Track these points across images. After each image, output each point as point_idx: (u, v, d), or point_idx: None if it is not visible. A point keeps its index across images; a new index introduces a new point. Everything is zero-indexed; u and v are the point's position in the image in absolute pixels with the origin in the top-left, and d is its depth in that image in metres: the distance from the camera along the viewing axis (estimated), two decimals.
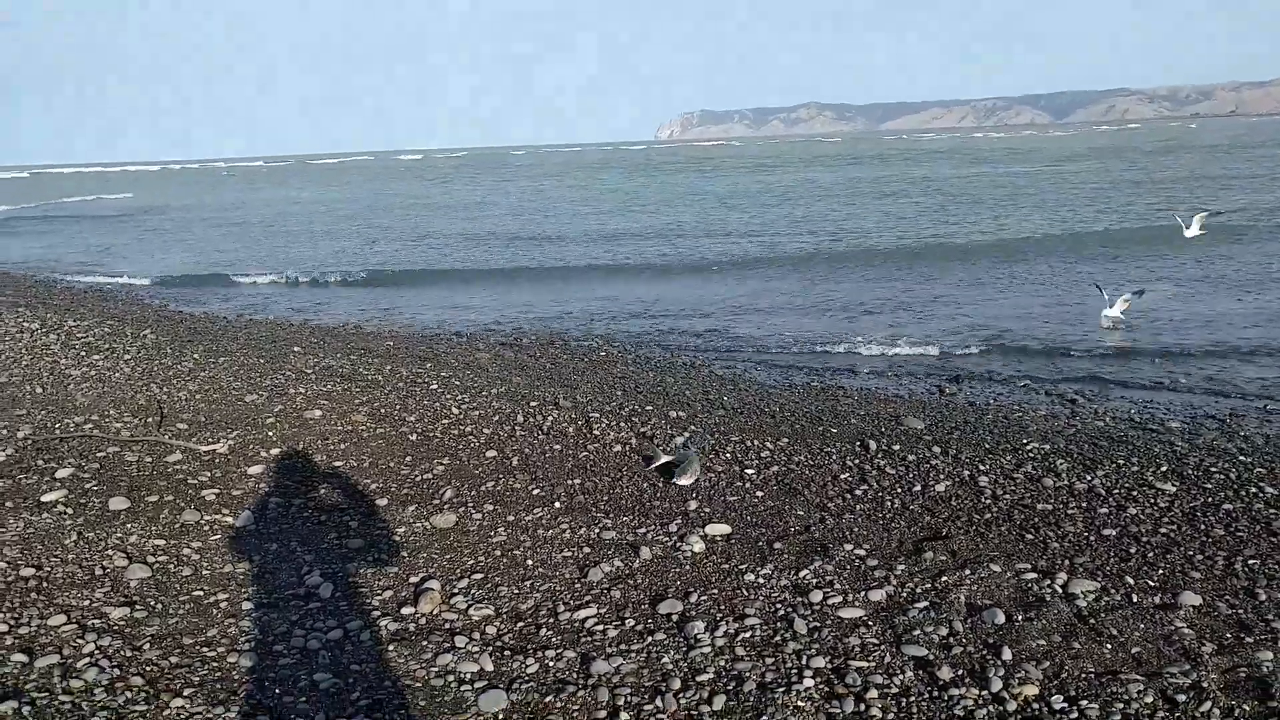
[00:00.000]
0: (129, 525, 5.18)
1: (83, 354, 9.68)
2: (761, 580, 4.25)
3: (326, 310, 15.07)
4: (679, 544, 4.67)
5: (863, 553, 4.49)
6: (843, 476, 5.60)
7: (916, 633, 3.69)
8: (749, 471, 5.75)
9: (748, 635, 3.75)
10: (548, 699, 3.41)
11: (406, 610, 4.15)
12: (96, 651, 3.84)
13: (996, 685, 3.31)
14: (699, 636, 3.76)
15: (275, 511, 5.38)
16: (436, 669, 3.65)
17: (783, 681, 3.41)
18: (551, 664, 3.64)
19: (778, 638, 3.73)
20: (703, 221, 28.03)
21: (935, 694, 3.28)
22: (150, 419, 7.19)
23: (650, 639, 3.77)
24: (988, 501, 5.16)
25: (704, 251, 21.02)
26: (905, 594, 4.06)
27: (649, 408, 7.35)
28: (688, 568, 4.44)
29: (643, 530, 4.87)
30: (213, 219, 39.57)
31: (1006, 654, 3.52)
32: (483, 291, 17.32)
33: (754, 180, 50.72)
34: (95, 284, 18.58)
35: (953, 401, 8.13)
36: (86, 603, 4.28)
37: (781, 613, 3.93)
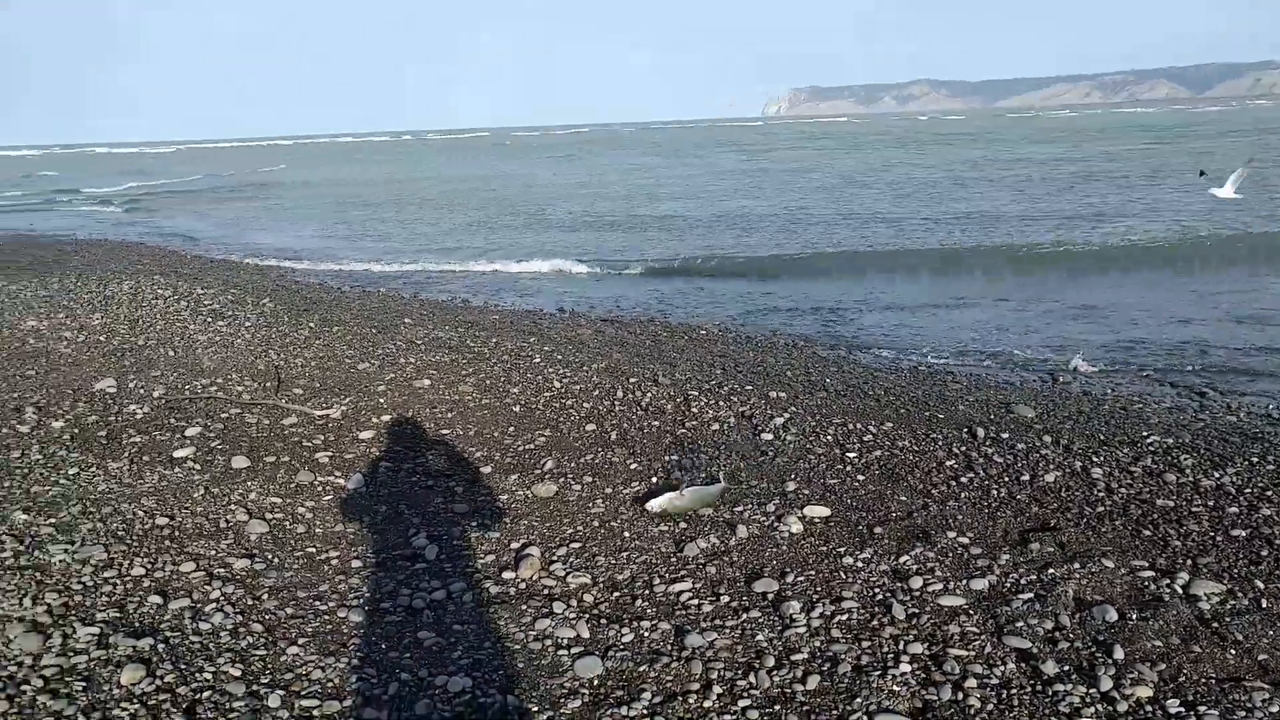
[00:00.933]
0: (249, 483, 5.44)
1: (209, 320, 10.17)
2: (860, 564, 4.19)
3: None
4: (776, 524, 4.64)
5: (966, 541, 4.38)
6: (948, 463, 5.47)
7: (1020, 625, 3.58)
8: (850, 455, 5.66)
9: (844, 618, 3.71)
10: (642, 668, 3.45)
11: (507, 575, 4.25)
12: (222, 598, 4.06)
13: (1106, 684, 3.19)
14: (795, 616, 3.74)
15: (385, 475, 5.57)
16: (535, 633, 3.74)
17: (878, 665, 3.36)
18: (646, 634, 3.68)
19: (875, 622, 3.67)
20: (833, 204, 26.93)
21: (1039, 688, 3.18)
22: (268, 384, 7.52)
23: (745, 616, 3.77)
24: (1101, 494, 4.96)
25: (818, 240, 19.84)
26: (1009, 585, 3.94)
27: (748, 387, 7.31)
28: (785, 548, 4.41)
29: (740, 509, 4.86)
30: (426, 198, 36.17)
31: (1118, 653, 3.38)
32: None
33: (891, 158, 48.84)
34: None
35: (1067, 390, 7.84)
36: (213, 553, 4.53)
37: (880, 597, 3.87)
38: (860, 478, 5.30)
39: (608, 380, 7.51)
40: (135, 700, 3.31)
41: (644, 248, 18.57)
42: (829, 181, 34.48)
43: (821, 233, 20.14)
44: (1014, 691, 3.15)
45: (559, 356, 8.47)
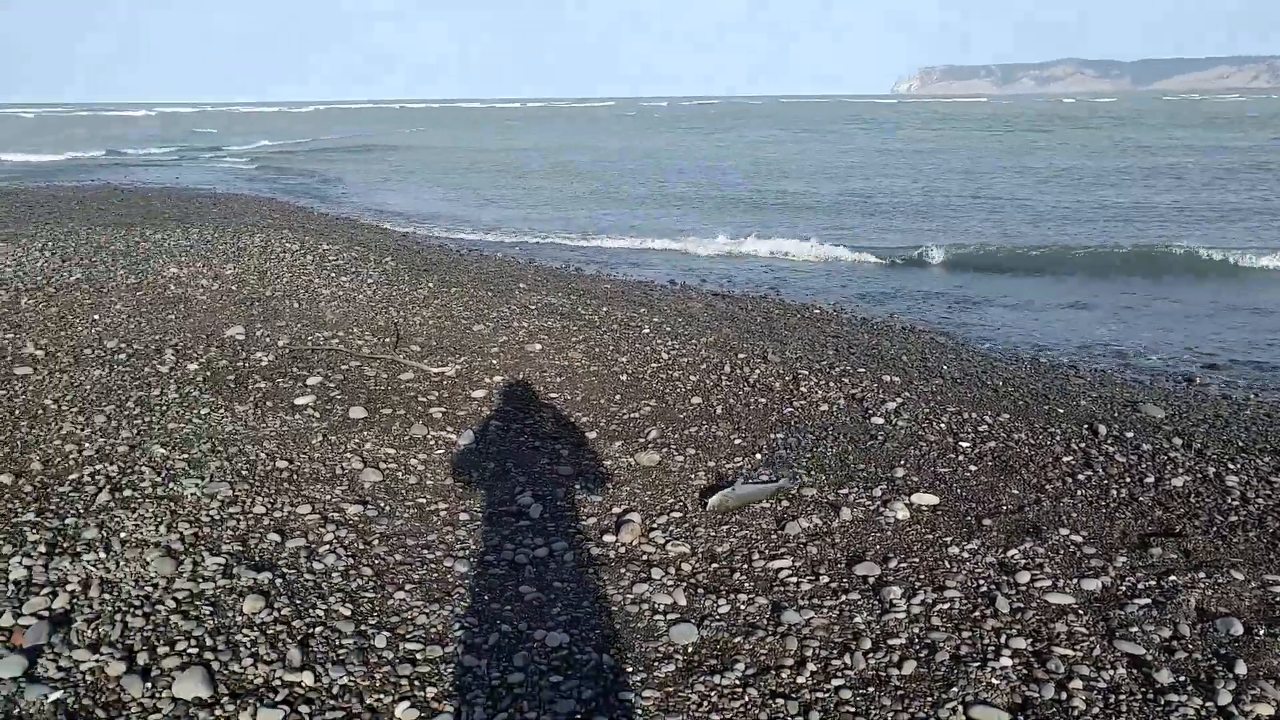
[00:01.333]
0: (365, 433, 5.65)
1: (333, 275, 10.56)
2: (966, 555, 4.09)
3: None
4: (882, 509, 4.57)
5: (1079, 539, 4.21)
6: (1065, 459, 5.26)
7: (1134, 630, 3.43)
8: (963, 444, 5.51)
9: (946, 607, 3.63)
10: (736, 639, 3.46)
11: (608, 538, 4.32)
12: (335, 541, 4.25)
13: (1225, 699, 3.03)
14: (894, 601, 3.68)
15: (494, 434, 5.71)
16: (632, 596, 3.79)
17: (978, 656, 3.28)
18: (743, 607, 3.68)
19: (977, 613, 3.58)
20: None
21: (1150, 696, 3.04)
22: (387, 339, 7.77)
23: (844, 598, 3.73)
24: (1234, 503, 4.69)
25: (948, 225, 18.70)
26: (1124, 588, 3.78)
27: (861, 369, 7.18)
28: (889, 533, 4.34)
29: (844, 491, 4.80)
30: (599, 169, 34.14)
31: (1241, 668, 3.20)
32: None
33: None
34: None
35: (1203, 392, 7.42)
36: (328, 497, 4.73)
37: (984, 589, 3.77)
38: (972, 468, 5.15)
39: (716, 354, 7.50)
40: (255, 628, 3.50)
41: (765, 225, 18.26)
42: (962, 164, 33.25)
43: (951, 218, 19.41)
44: (1122, 697, 3.03)
45: (668, 328, 8.49)
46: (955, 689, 3.10)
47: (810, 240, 15.60)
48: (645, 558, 4.13)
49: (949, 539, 4.25)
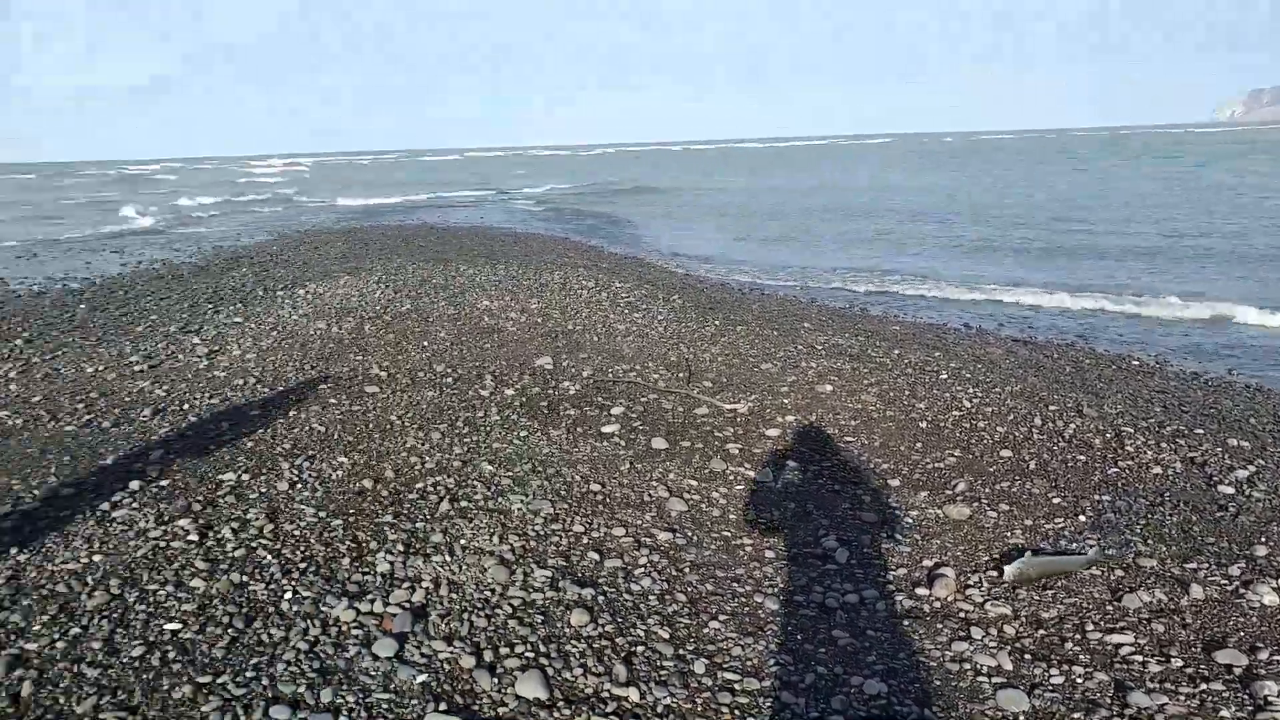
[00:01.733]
0: (667, 463, 5.86)
1: (625, 311, 11.08)
2: None
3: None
4: (1241, 590, 4.10)
5: None
6: None
7: None
8: None
9: None
10: (1075, 715, 3.24)
11: (920, 590, 4.20)
12: (649, 564, 4.44)
13: None
14: (1270, 700, 3.29)
15: (791, 474, 5.73)
16: (951, 654, 3.66)
17: None
18: (1080, 681, 3.44)
19: None
20: None
21: None
22: (680, 374, 8.03)
23: (1204, 686, 3.39)
24: None
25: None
26: None
27: (1198, 430, 6.52)
28: (1254, 620, 3.88)
29: (1192, 566, 4.36)
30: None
31: None
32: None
33: None
34: None
35: None
36: (639, 522, 4.95)
37: None
38: None
39: (1023, 405, 7.11)
40: (582, 640, 3.72)
41: (1067, 269, 17.01)
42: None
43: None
44: None
45: (967, 374, 8.16)
46: None
47: (1123, 292, 14.31)
48: (963, 615, 3.97)
49: None
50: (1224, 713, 3.23)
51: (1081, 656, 3.62)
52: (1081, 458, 5.97)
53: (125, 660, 3.52)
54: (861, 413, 6.99)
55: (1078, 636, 3.77)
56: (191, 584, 4.14)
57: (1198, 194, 32.66)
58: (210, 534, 4.68)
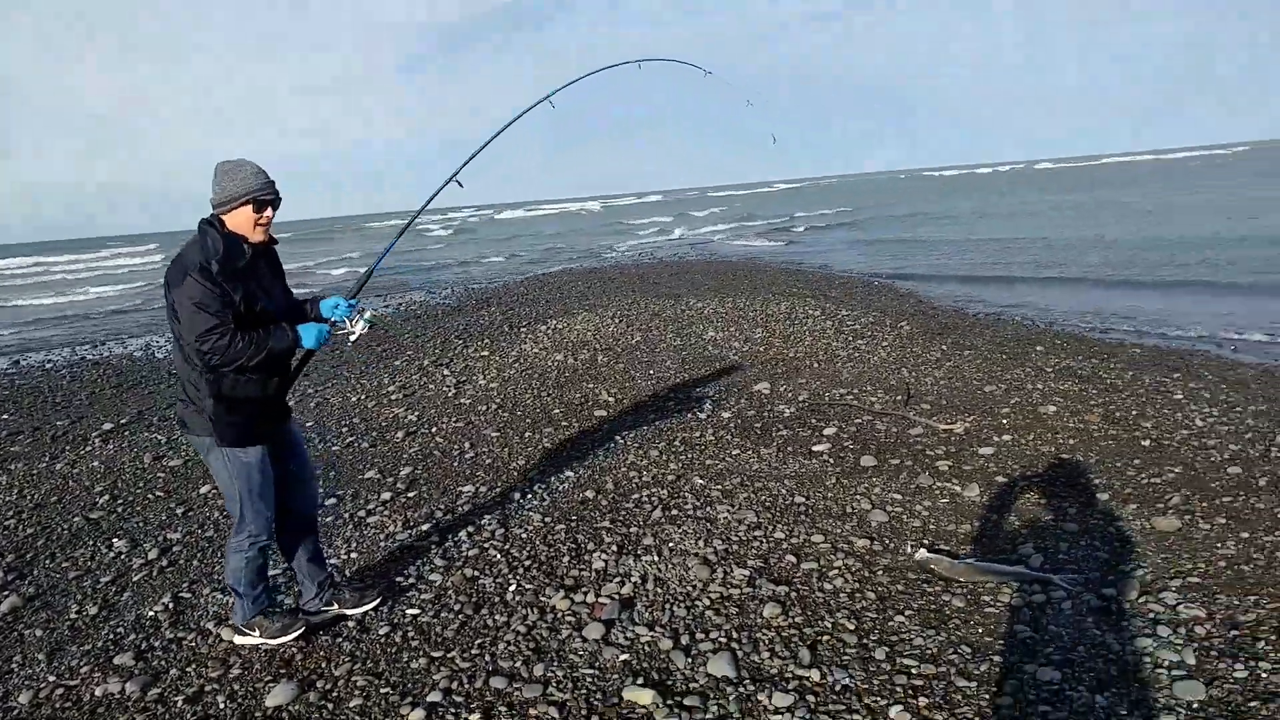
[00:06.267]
0: (874, 479, 6.09)
1: (849, 339, 11.27)
2: None
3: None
4: None
5: None
6: None
7: None
8: None
9: None
10: (1252, 703, 3.23)
11: (1107, 591, 4.22)
12: (843, 567, 4.73)
13: None
14: None
15: (998, 488, 5.80)
16: (1133, 649, 3.71)
17: None
18: (1265, 675, 3.41)
19: None
20: None
21: None
22: (899, 397, 8.17)
23: None
24: None
25: None
26: None
27: None
28: None
29: None
30: None
31: None
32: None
33: None
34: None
35: None
36: (838, 530, 5.25)
37: None
38: None
39: (1266, 424, 6.71)
40: (771, 629, 4.09)
41: None
42: None
43: None
44: None
45: (1206, 395, 7.74)
46: None
47: None
48: (1153, 615, 3.97)
49: None
50: None
51: (1272, 654, 3.56)
52: None
53: (373, 637, 4.28)
54: (1083, 432, 6.88)
55: (1274, 639, 3.69)
56: (430, 577, 4.91)
57: None
58: (449, 536, 5.47)
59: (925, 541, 5.02)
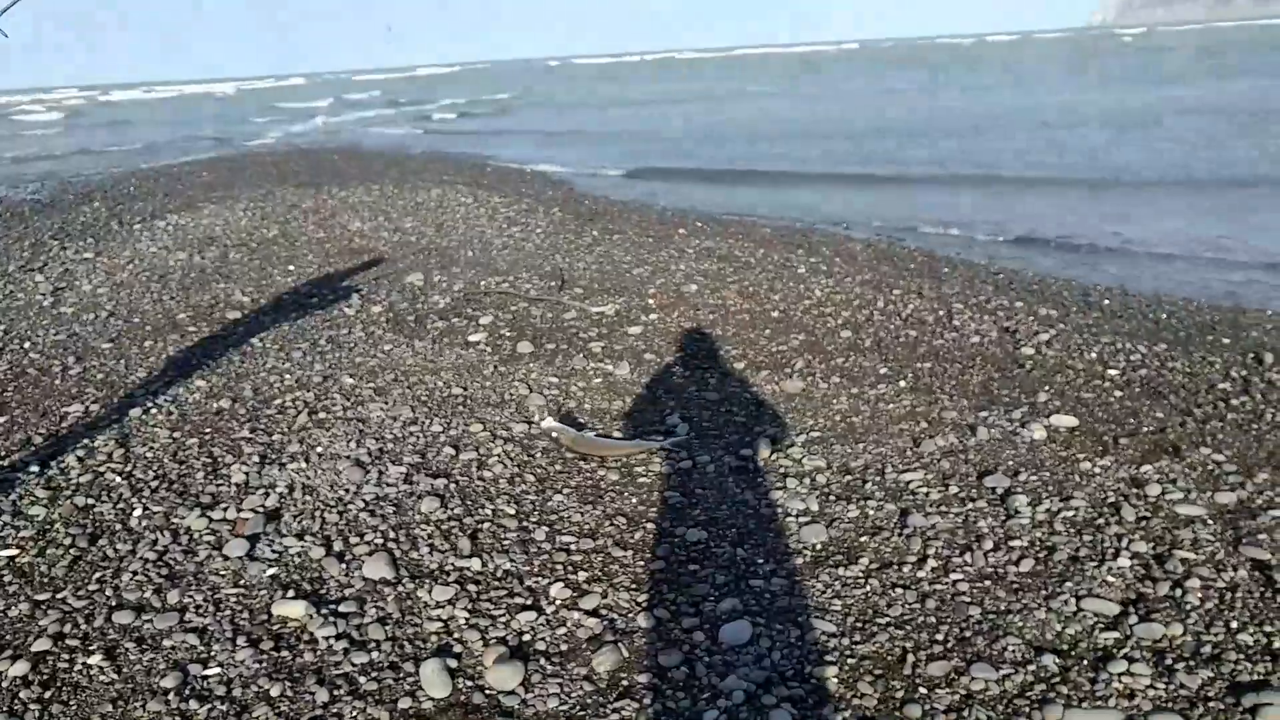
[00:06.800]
0: (530, 365, 6.10)
1: (503, 226, 11.17)
2: (1098, 470, 4.12)
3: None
4: (1019, 429, 4.63)
5: (1221, 458, 4.16)
6: (1220, 385, 5.11)
7: (1262, 537, 3.42)
8: (1112, 372, 5.43)
9: (1070, 515, 3.72)
10: (862, 539, 3.68)
11: (745, 452, 4.58)
12: (502, 454, 4.70)
13: None
14: (1019, 509, 3.79)
15: (647, 365, 6.05)
16: (765, 501, 4.05)
17: (1096, 558, 3.38)
18: (871, 512, 3.89)
19: (1100, 520, 3.66)
20: None
21: (1268, 595, 3.07)
22: (553, 283, 8.24)
23: (970, 505, 3.87)
24: None
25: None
26: (1261, 501, 3.74)
27: (1018, 304, 7.08)
28: (1023, 451, 4.40)
29: (984, 414, 4.87)
30: None
31: None
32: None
33: None
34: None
35: None
36: (497, 418, 5.20)
37: (1110, 500, 3.83)
38: (1117, 393, 5.10)
39: (870, 292, 7.56)
40: (431, 524, 3.99)
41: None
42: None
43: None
44: (1239, 595, 3.07)
45: (824, 268, 8.58)
46: (1069, 584, 3.23)
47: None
48: (783, 470, 4.37)
49: (1082, 456, 4.29)
50: (981, 524, 3.72)
51: (877, 493, 4.07)
52: (913, 333, 6.45)
53: None
54: (721, 307, 7.34)
55: (878, 479, 4.22)
56: (30, 511, 4.23)
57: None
58: (54, 463, 4.74)
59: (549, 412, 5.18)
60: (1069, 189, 14.57)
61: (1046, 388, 5.23)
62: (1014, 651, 2.95)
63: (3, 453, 4.91)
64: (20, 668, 3.10)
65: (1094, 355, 5.73)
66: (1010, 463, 4.28)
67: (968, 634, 3.05)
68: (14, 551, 3.88)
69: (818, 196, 15.21)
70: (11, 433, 5.21)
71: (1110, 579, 3.24)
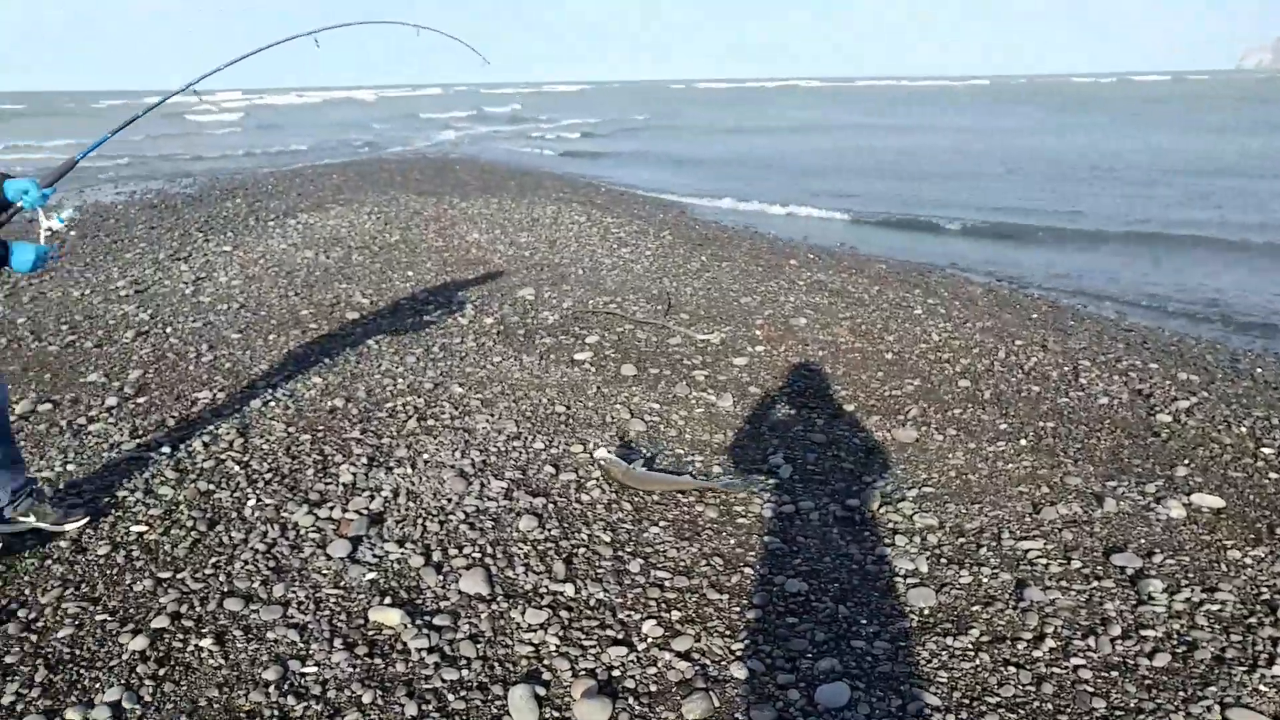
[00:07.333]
0: (633, 388, 6.05)
1: (614, 246, 11.20)
2: (1249, 561, 3.79)
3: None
4: (1153, 505, 4.31)
5: None
6: None
7: None
8: (1267, 450, 5.02)
9: (1215, 609, 3.41)
10: (974, 608, 3.46)
11: (852, 502, 4.40)
12: (601, 478, 4.64)
13: None
14: (1153, 595, 3.50)
15: (752, 398, 5.92)
16: (873, 556, 3.87)
17: (1247, 661, 3.08)
18: (985, 580, 3.66)
19: (1253, 619, 3.34)
20: None
21: None
22: (660, 307, 8.19)
23: (1096, 584, 3.61)
24: None
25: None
26: None
27: (1153, 365, 6.69)
28: (1158, 530, 4.09)
29: (1113, 484, 4.57)
30: None
31: None
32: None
33: None
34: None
35: None
36: (597, 440, 5.15)
37: (1265, 596, 3.50)
38: (1273, 475, 4.71)
39: (991, 340, 7.27)
40: (528, 543, 3.95)
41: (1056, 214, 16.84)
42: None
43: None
44: None
45: (941, 310, 8.31)
46: (1213, 688, 2.94)
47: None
48: (891, 525, 4.18)
49: (1230, 542, 3.95)
50: (1108, 605, 3.45)
51: (992, 560, 3.84)
52: (1036, 388, 6.14)
53: (90, 558, 3.76)
54: (831, 344, 7.16)
55: (994, 544, 3.98)
56: (160, 491, 4.38)
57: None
58: (182, 446, 4.91)
59: (604, 445, 5.07)
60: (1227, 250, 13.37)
61: (1186, 461, 4.88)
62: None
63: (141, 432, 5.11)
64: (140, 642, 3.19)
65: (1244, 430, 5.33)
66: (1142, 541, 3.98)
67: None
68: (143, 528, 4.01)
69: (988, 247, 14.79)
70: (149, 413, 5.42)
71: (1263, 688, 2.94)
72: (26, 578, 3.61)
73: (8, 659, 3.11)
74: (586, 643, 3.26)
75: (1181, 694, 2.94)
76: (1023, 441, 5.18)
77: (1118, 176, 21.53)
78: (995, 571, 3.73)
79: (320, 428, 5.21)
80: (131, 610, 3.40)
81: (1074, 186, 20.05)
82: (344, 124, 51.99)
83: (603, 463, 4.77)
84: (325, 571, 3.71)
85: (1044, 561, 3.80)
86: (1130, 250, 13.29)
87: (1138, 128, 39.13)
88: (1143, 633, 3.27)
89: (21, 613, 3.37)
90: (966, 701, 2.95)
